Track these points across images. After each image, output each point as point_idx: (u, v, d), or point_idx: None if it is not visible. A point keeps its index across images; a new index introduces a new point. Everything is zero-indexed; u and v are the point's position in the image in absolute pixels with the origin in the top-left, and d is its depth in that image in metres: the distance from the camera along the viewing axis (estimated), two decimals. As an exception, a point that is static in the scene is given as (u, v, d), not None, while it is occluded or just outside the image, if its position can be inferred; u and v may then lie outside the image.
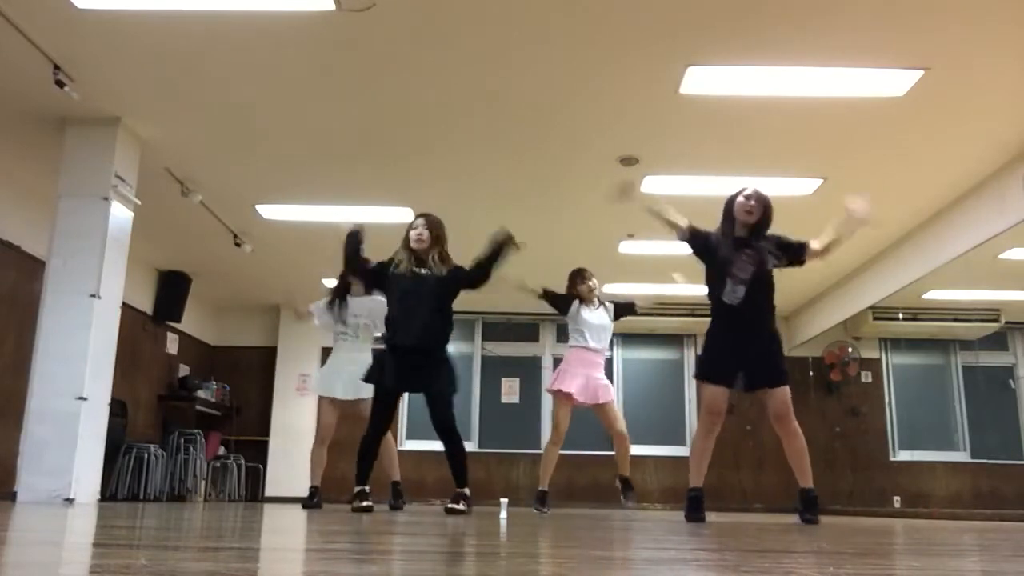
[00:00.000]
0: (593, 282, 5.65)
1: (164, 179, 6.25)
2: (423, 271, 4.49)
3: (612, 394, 5.63)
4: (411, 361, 4.46)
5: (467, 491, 4.54)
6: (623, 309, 5.79)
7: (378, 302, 5.13)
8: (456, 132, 5.55)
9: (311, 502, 5.46)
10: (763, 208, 4.19)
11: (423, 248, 4.51)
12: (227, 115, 5.40)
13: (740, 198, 4.21)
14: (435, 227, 4.58)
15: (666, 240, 7.40)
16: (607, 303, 5.74)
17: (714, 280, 4.20)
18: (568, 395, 5.42)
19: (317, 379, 5.59)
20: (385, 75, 4.83)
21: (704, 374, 4.27)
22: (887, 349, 10.40)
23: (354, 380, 5.15)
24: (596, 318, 5.60)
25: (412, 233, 4.54)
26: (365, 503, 4.50)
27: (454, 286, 4.54)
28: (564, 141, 5.63)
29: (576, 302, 5.60)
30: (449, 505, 4.48)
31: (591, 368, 5.54)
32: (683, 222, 4.34)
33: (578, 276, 5.66)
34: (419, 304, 4.43)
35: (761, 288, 4.14)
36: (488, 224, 6.31)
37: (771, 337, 4.23)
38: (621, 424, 5.61)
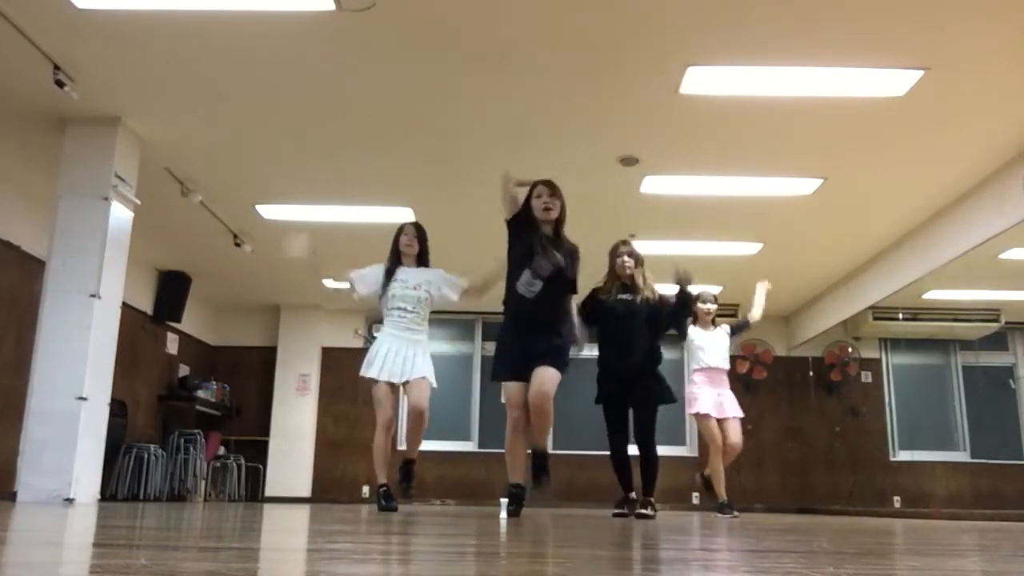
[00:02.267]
0: (710, 306, 6.02)
1: (164, 179, 6.24)
2: (632, 297, 4.84)
3: (734, 412, 5.98)
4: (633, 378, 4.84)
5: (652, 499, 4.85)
6: (739, 328, 6.18)
7: (438, 272, 4.82)
8: (456, 132, 5.55)
9: (388, 504, 4.71)
10: (560, 202, 4.23)
11: (630, 274, 4.86)
12: (227, 115, 5.40)
13: (534, 200, 4.21)
14: (637, 254, 4.98)
15: (667, 240, 7.43)
16: (725, 326, 6.12)
17: (512, 268, 4.21)
18: (706, 414, 5.92)
19: (367, 360, 4.77)
20: (385, 75, 4.83)
21: (497, 377, 4.29)
22: (887, 349, 10.40)
23: (404, 361, 4.69)
24: (710, 339, 5.99)
25: (618, 261, 4.91)
26: (622, 510, 4.75)
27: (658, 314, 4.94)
28: (564, 141, 5.63)
29: (691, 325, 6.00)
30: (639, 510, 4.71)
31: (717, 386, 6.00)
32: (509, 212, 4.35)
33: (696, 299, 5.99)
34: (633, 329, 4.80)
35: (560, 292, 4.19)
36: (488, 224, 6.28)
37: (559, 335, 4.23)
38: (737, 442, 5.97)
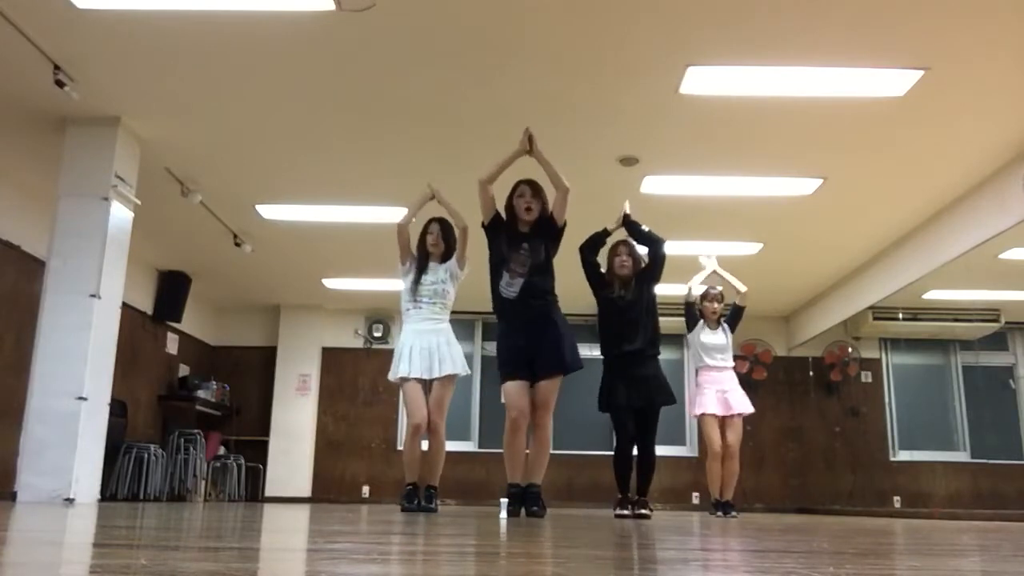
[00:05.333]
0: (716, 305, 6.08)
1: (164, 179, 6.24)
2: (630, 295, 4.84)
3: (741, 408, 6.00)
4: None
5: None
6: (733, 318, 6.17)
7: (451, 261, 4.78)
8: (456, 132, 5.55)
9: (410, 504, 4.63)
10: (541, 202, 4.34)
11: (628, 275, 4.87)
12: (227, 115, 5.40)
13: (516, 199, 4.36)
14: (636, 253, 4.94)
15: (667, 240, 7.42)
16: (724, 324, 6.15)
17: (492, 273, 4.34)
18: (710, 415, 5.96)
19: (394, 364, 4.70)
20: (385, 75, 4.83)
21: (507, 376, 4.33)
22: (887, 349, 10.40)
23: (431, 355, 4.62)
24: (713, 338, 6.06)
25: (616, 260, 4.90)
26: (626, 511, 4.72)
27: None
28: (564, 141, 5.62)
29: (700, 322, 6.08)
30: (638, 511, 4.76)
31: (721, 384, 6.04)
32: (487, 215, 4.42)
33: (704, 297, 6.11)
34: (635, 321, 4.78)
35: (540, 279, 4.29)
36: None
37: (554, 325, 4.35)
38: (735, 440, 6.01)
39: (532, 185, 4.38)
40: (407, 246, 4.81)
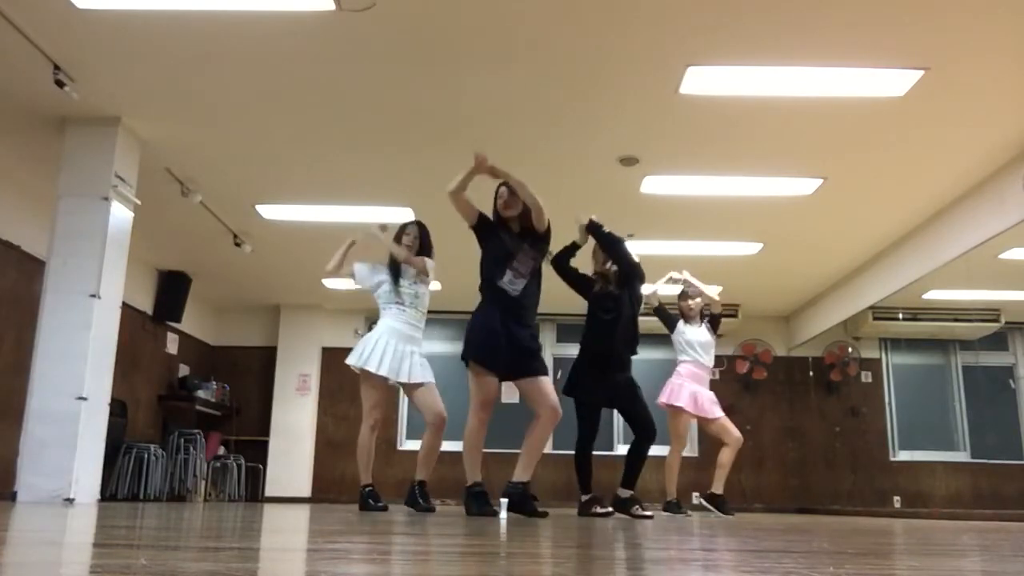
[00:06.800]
0: (695, 301, 6.12)
1: (164, 179, 6.24)
2: (616, 291, 4.85)
3: (713, 413, 6.04)
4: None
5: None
6: (713, 323, 6.23)
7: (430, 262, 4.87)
8: (456, 133, 5.54)
9: (369, 504, 4.76)
10: (519, 199, 4.36)
11: (616, 271, 4.90)
12: (227, 115, 5.40)
13: (496, 201, 4.42)
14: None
15: (667, 240, 7.44)
16: (707, 323, 6.20)
17: (492, 266, 4.34)
18: (679, 408, 5.96)
19: (359, 350, 4.71)
20: (385, 75, 4.83)
21: (481, 360, 4.29)
22: (887, 349, 10.40)
23: (403, 358, 4.68)
24: (697, 334, 6.10)
25: (608, 265, 4.92)
26: (601, 509, 4.71)
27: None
28: (564, 141, 5.63)
29: (681, 320, 6.13)
30: (638, 512, 4.73)
31: (698, 382, 6.07)
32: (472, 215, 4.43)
33: (681, 297, 6.19)
34: (617, 319, 4.79)
35: (535, 287, 4.37)
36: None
37: (534, 334, 4.44)
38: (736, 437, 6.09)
39: (509, 186, 4.42)
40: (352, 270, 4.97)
